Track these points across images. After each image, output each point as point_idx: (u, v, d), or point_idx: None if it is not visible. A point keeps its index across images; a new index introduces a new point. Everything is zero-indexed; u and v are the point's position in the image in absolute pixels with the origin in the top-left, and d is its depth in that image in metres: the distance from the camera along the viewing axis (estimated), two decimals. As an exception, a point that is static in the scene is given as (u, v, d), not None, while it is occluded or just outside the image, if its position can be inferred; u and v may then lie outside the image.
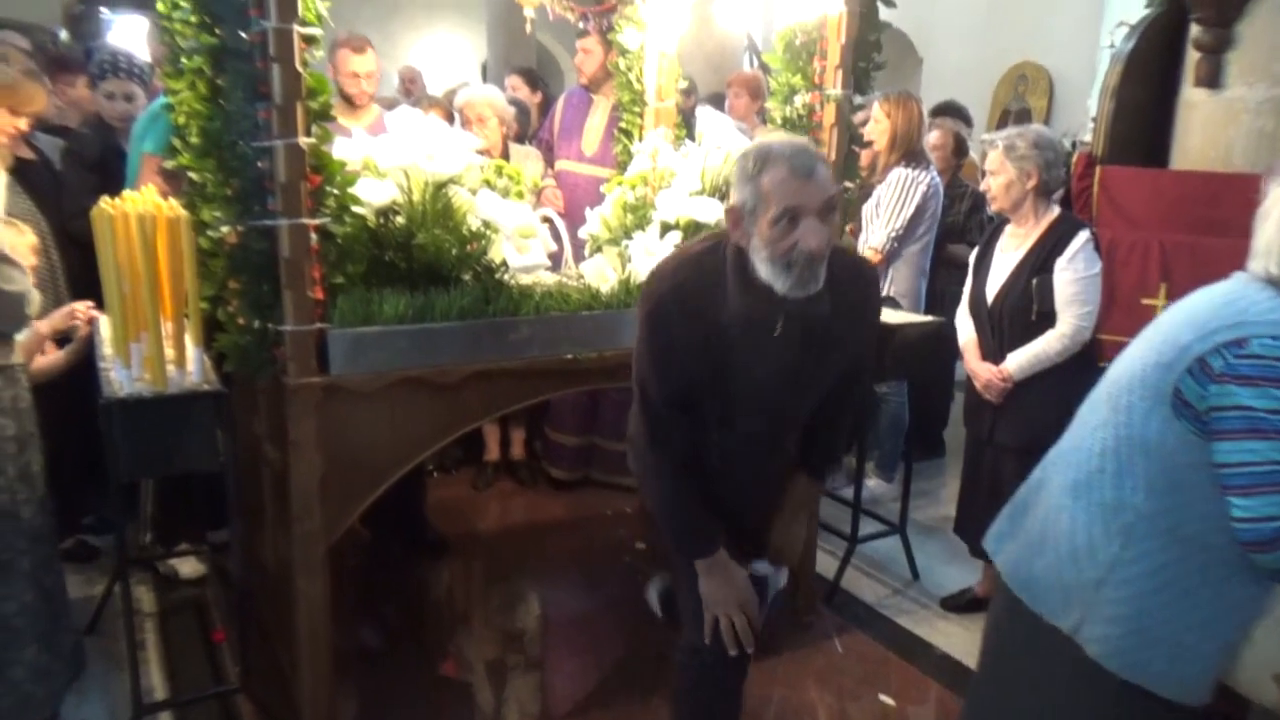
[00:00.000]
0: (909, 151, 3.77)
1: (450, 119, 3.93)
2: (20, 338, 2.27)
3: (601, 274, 2.77)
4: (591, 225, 2.96)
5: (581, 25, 3.16)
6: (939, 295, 4.04)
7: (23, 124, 2.66)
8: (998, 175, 2.76)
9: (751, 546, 2.02)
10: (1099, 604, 1.43)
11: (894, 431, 3.99)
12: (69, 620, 2.38)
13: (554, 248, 2.73)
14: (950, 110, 4.97)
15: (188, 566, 3.20)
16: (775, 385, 1.87)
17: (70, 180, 3.20)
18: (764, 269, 1.69)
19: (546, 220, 2.72)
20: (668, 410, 1.87)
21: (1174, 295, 3.42)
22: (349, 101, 3.57)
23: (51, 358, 2.63)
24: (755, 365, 1.82)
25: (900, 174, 3.71)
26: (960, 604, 3.18)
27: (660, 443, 1.89)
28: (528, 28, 2.91)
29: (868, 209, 3.81)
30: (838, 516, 3.47)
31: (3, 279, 2.07)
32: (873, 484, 4.01)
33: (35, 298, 2.20)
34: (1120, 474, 1.43)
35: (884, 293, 3.65)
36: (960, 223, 4.28)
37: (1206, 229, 3.42)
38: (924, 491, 4.12)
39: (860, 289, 1.91)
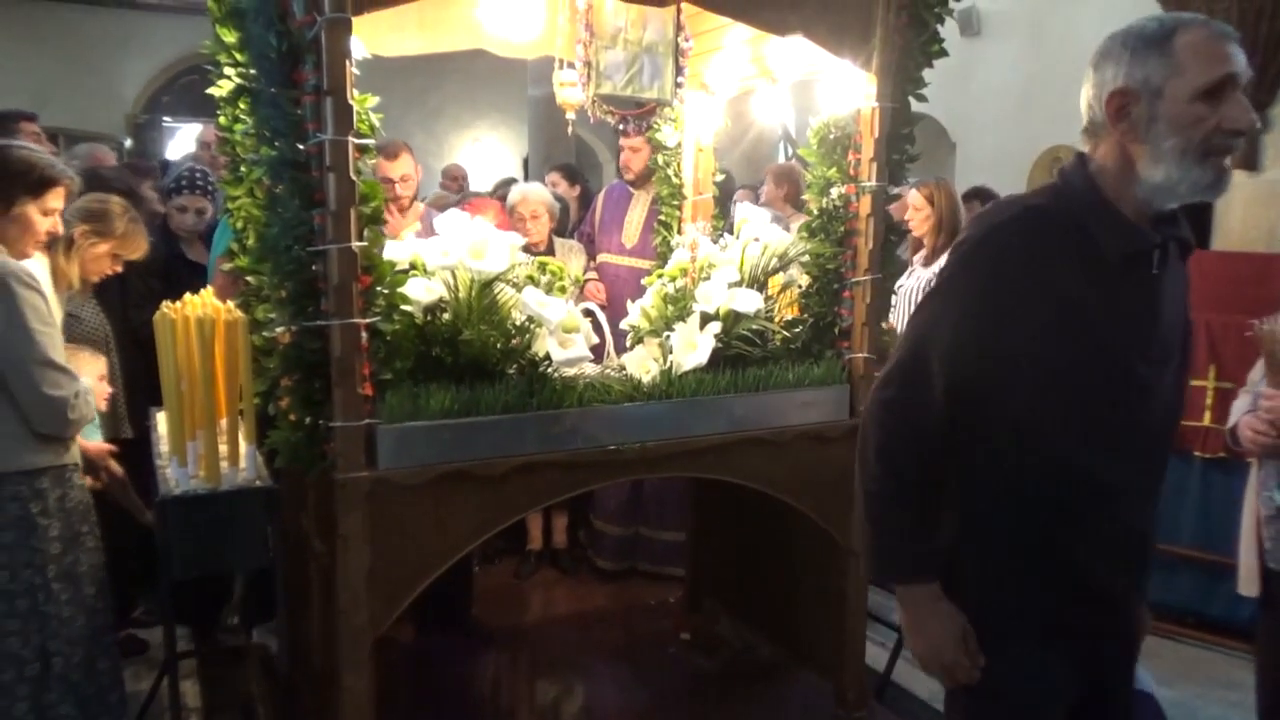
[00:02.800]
0: (954, 236, 3.80)
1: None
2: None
3: (643, 365, 2.80)
4: (632, 317, 3.01)
5: (622, 127, 3.28)
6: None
7: (119, 267, 2.82)
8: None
9: (1125, 646, 1.58)
10: None
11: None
12: None
13: (596, 340, 2.78)
14: (982, 196, 5.01)
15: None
16: (1156, 367, 1.39)
17: (135, 286, 3.34)
18: (1166, 164, 1.33)
19: (589, 314, 2.78)
20: (943, 403, 1.42)
21: (1223, 376, 3.37)
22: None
23: None
24: (1134, 332, 1.38)
25: None
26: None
27: (901, 422, 1.46)
28: (569, 129, 3.02)
29: (912, 290, 3.83)
30: (886, 606, 3.39)
31: (49, 384, 2.15)
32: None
33: (88, 402, 2.27)
34: None
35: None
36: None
37: (1254, 309, 3.38)
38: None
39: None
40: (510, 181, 5.73)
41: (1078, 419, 1.38)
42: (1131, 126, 1.35)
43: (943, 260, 3.68)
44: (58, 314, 2.65)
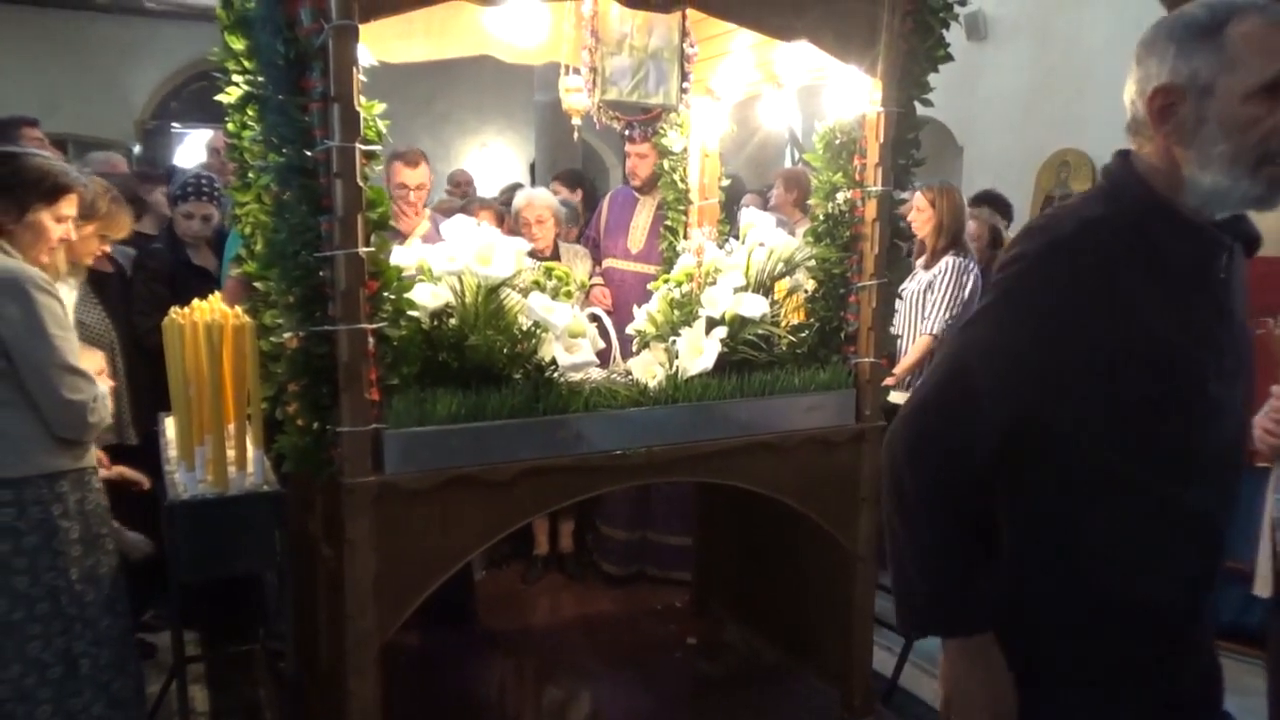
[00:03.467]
0: (956, 240, 3.83)
1: (500, 220, 4.07)
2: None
3: (649, 370, 2.81)
4: (638, 322, 3.02)
5: (628, 133, 3.30)
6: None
7: (108, 248, 2.90)
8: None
9: (1206, 681, 1.43)
10: None
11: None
12: None
13: (602, 345, 2.78)
14: (990, 200, 5.01)
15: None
16: (1228, 381, 1.27)
17: (141, 292, 3.36)
18: (1214, 171, 1.21)
19: (595, 319, 2.78)
20: (990, 435, 1.29)
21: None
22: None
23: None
24: (1206, 346, 1.26)
25: (954, 262, 3.77)
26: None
27: (943, 456, 1.32)
28: (575, 135, 3.02)
29: (914, 294, 3.83)
30: (893, 611, 3.38)
31: (69, 388, 2.17)
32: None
33: (105, 405, 2.29)
34: None
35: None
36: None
37: (1268, 314, 3.37)
38: (983, 584, 4.01)
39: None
40: (516, 187, 5.75)
41: (1148, 444, 1.26)
42: (1177, 128, 1.22)
43: (944, 262, 3.73)
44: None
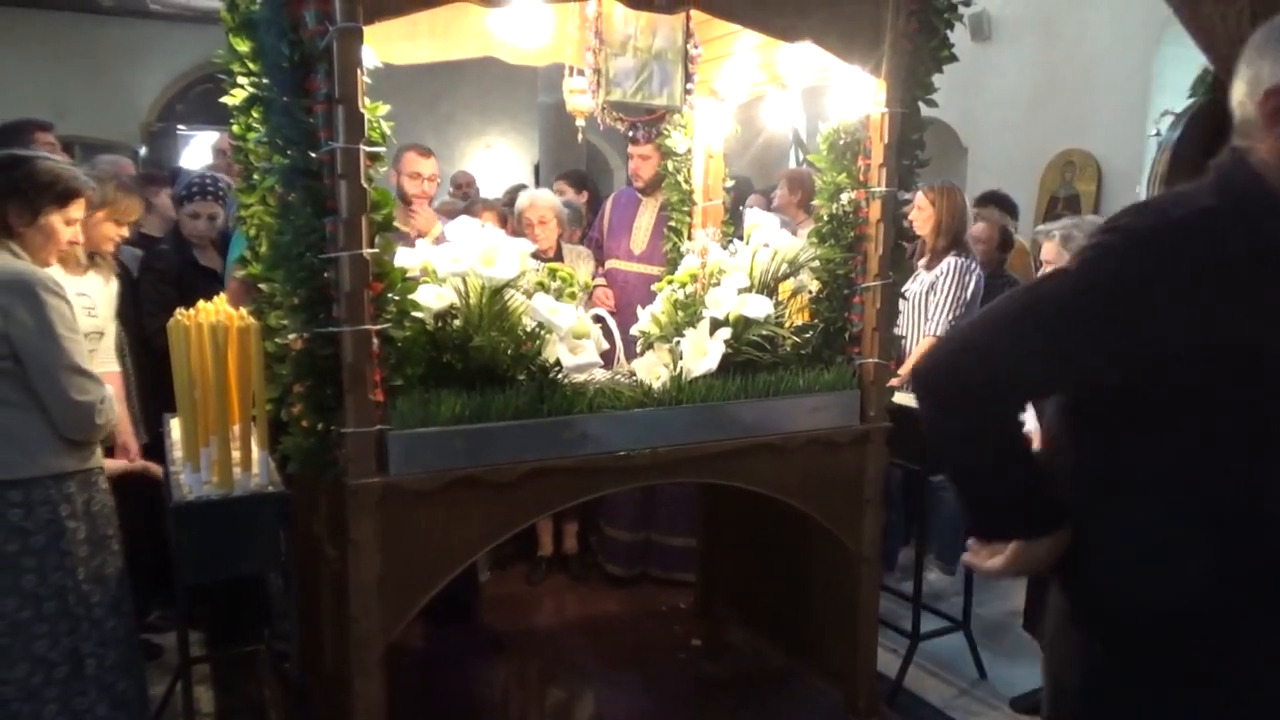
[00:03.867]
0: (957, 240, 3.83)
1: (504, 221, 4.08)
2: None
3: (653, 371, 2.80)
4: (643, 323, 3.02)
5: (631, 134, 3.29)
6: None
7: (125, 232, 2.95)
8: (1055, 265, 2.79)
9: None
10: None
11: (954, 520, 3.91)
12: None
13: (606, 346, 2.79)
14: (995, 200, 5.00)
15: None
16: None
17: (148, 293, 3.37)
18: None
19: (599, 320, 2.79)
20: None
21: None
22: (405, 201, 3.67)
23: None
24: None
25: (956, 263, 3.78)
26: (1031, 705, 3.06)
27: (967, 403, 1.30)
28: (579, 136, 3.03)
29: (917, 295, 3.83)
30: (898, 612, 3.38)
31: (77, 389, 2.19)
32: (933, 577, 3.92)
33: (113, 406, 2.31)
34: None
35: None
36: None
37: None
38: (988, 584, 4.00)
39: None
40: (520, 188, 5.77)
41: (1228, 443, 1.23)
42: None
43: (946, 263, 3.74)
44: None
